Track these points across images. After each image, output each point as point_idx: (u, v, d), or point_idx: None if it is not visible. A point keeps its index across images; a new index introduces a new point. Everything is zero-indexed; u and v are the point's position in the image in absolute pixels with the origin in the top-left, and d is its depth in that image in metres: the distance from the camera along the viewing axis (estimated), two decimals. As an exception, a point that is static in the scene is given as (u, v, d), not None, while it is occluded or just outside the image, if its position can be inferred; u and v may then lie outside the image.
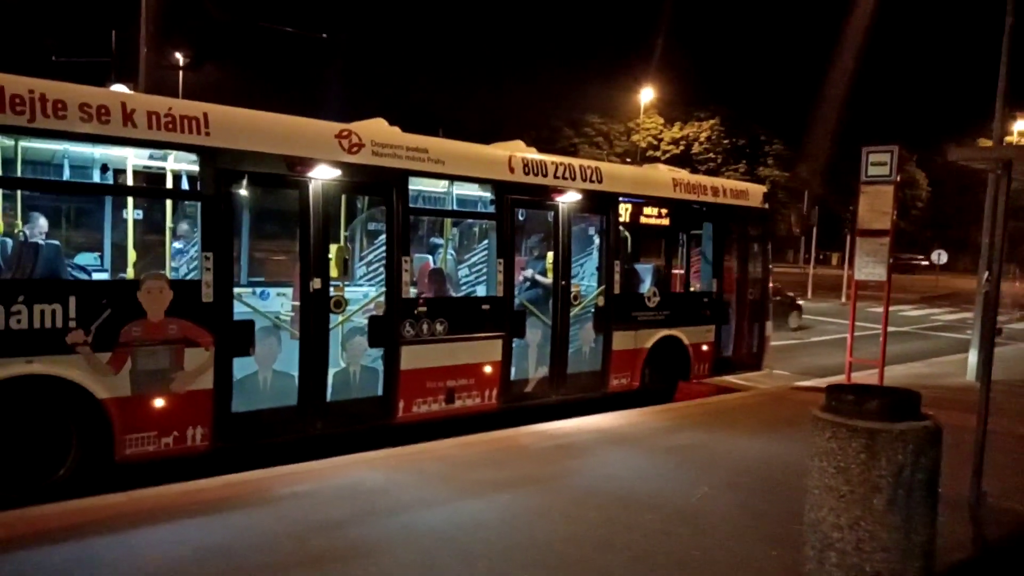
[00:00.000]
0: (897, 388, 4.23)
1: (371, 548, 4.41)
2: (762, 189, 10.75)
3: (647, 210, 9.13)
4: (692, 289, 9.87)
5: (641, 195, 9.10)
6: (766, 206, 10.49)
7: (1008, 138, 27.53)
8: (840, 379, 9.57)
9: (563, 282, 8.36)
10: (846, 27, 30.15)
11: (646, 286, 9.27)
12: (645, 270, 9.53)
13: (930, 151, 41.75)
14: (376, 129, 7.13)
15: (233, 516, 4.85)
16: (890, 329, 9.58)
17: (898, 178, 8.85)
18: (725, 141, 34.63)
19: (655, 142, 35.19)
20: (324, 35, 34.64)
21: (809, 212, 25.57)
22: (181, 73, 34.31)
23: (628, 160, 34.34)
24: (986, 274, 11.28)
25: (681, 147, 34.47)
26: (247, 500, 5.10)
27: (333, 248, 6.67)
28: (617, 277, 8.79)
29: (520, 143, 8.51)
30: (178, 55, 35.79)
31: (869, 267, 8.85)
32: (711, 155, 33.59)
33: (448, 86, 42.98)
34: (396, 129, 7.41)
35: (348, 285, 7.07)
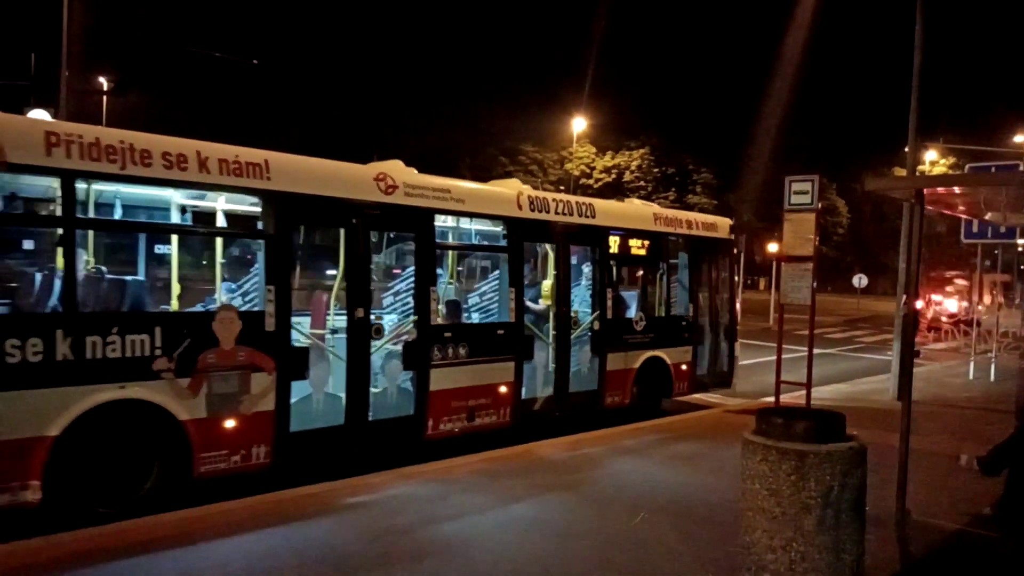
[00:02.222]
0: (823, 410, 4.34)
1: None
2: (728, 222, 11.58)
3: (632, 241, 9.99)
4: (672, 313, 10.63)
5: (627, 228, 9.99)
6: (732, 236, 11.33)
7: (920, 167, 29.07)
8: (771, 400, 9.81)
9: (564, 308, 9.11)
10: (773, 60, 31.40)
11: (633, 311, 10.07)
12: (631, 296, 10.30)
13: (850, 179, 43.63)
14: (403, 171, 7.84)
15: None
16: (816, 351, 9.90)
17: (819, 205, 9.18)
18: (656, 170, 35.45)
19: (588, 170, 35.76)
20: (255, 61, 34.25)
21: (737, 239, 26.34)
22: (105, 98, 33.35)
23: (562, 188, 34.73)
24: (904, 298, 11.79)
25: (613, 175, 35.09)
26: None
27: (373, 280, 7.45)
28: (609, 303, 9.57)
29: (515, 181, 9.49)
30: (102, 79, 34.77)
31: (795, 291, 9.13)
32: (642, 183, 34.29)
33: (383, 113, 42.88)
34: (413, 170, 8.05)
35: (383, 313, 7.88)
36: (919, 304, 23.30)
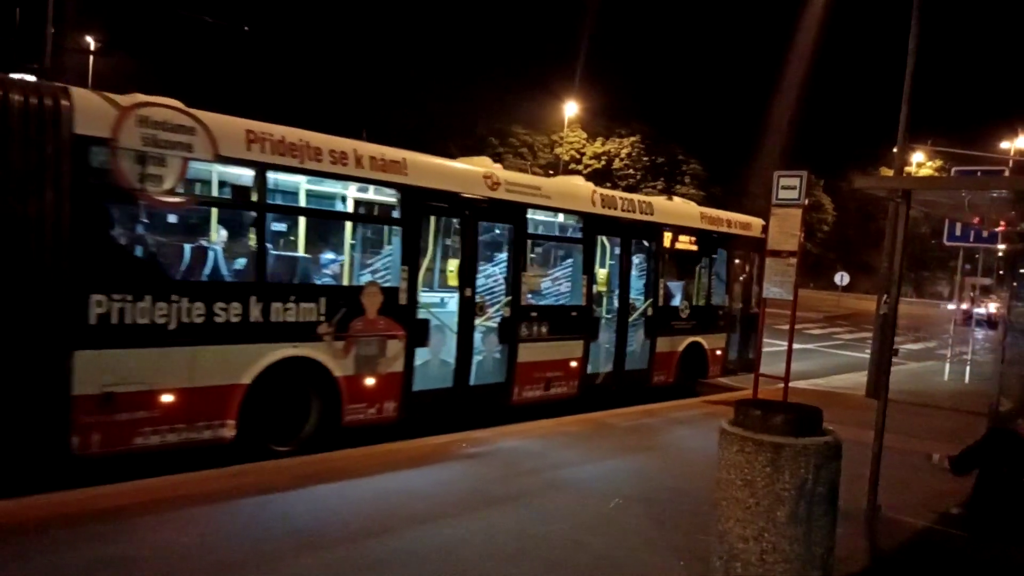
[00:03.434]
0: (801, 404, 4.37)
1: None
2: (761, 222, 12.22)
3: (681, 237, 11.07)
4: (710, 304, 11.69)
5: (678, 225, 11.05)
6: (763, 236, 11.86)
7: (907, 168, 29.22)
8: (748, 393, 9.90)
9: (624, 296, 10.28)
10: (765, 57, 31.33)
11: (679, 300, 11.18)
12: (678, 287, 11.30)
13: (836, 177, 43.84)
14: (498, 168, 9.00)
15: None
16: (795, 346, 10.00)
17: (806, 202, 9.21)
18: (645, 158, 35.38)
19: (578, 155, 35.65)
20: (246, 28, 33.71)
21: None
22: (92, 58, 32.74)
23: (551, 172, 34.62)
24: (885, 297, 11.88)
25: (603, 162, 35.02)
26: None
27: (478, 264, 8.58)
28: (661, 292, 10.78)
29: (580, 178, 10.77)
30: (89, 39, 34.09)
31: (777, 286, 9.17)
32: (631, 171, 34.24)
33: (371, 86, 42.46)
34: (499, 167, 9.17)
35: (483, 293, 8.80)
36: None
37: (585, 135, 36.10)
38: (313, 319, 6.97)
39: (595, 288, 9.96)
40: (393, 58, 44.15)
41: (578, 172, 35.62)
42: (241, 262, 7.21)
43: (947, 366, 15.47)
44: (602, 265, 10.71)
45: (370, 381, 7.44)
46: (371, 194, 8.19)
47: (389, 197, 7.99)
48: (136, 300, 5.97)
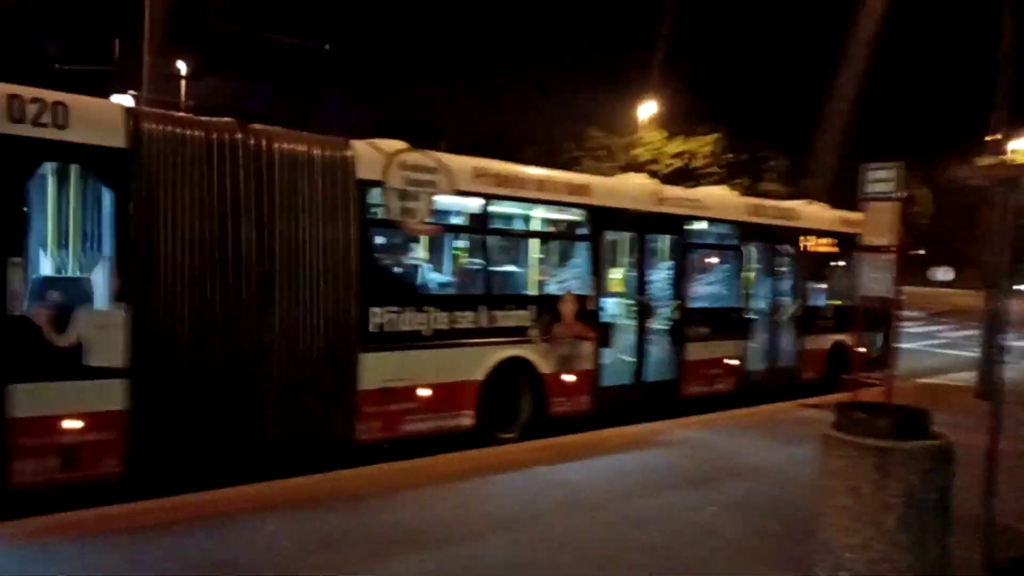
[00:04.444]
0: (907, 406, 4.17)
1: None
2: None
3: (822, 240, 11.86)
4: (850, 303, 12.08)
5: (820, 229, 11.86)
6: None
7: (1004, 157, 27.47)
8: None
9: (776, 297, 11.16)
10: (850, 43, 30.23)
11: (823, 300, 11.98)
12: (821, 287, 12.04)
13: (933, 167, 41.83)
14: (659, 185, 10.17)
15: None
16: (901, 346, 9.90)
17: (903, 194, 8.81)
18: (728, 155, 34.57)
19: (656, 156, 35.13)
20: (327, 46, 34.77)
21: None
22: (184, 82, 34.35)
23: (630, 174, 34.24)
24: (993, 292, 11.24)
25: (683, 161, 34.40)
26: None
27: (649, 271, 9.64)
28: (808, 293, 11.61)
29: (721, 187, 12.48)
30: (180, 64, 35.80)
31: (874, 283, 8.80)
32: (713, 169, 33.52)
33: (448, 97, 43.10)
34: (646, 180, 10.29)
35: (654, 298, 9.73)
36: None
37: (664, 135, 35.54)
38: (526, 324, 8.24)
39: (749, 291, 10.92)
40: (469, 67, 44.75)
41: (657, 172, 35.19)
42: (473, 277, 8.58)
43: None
44: (754, 269, 11.41)
45: (569, 378, 8.60)
46: (565, 214, 9.32)
47: (579, 216, 9.09)
48: (401, 311, 7.32)
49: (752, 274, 11.24)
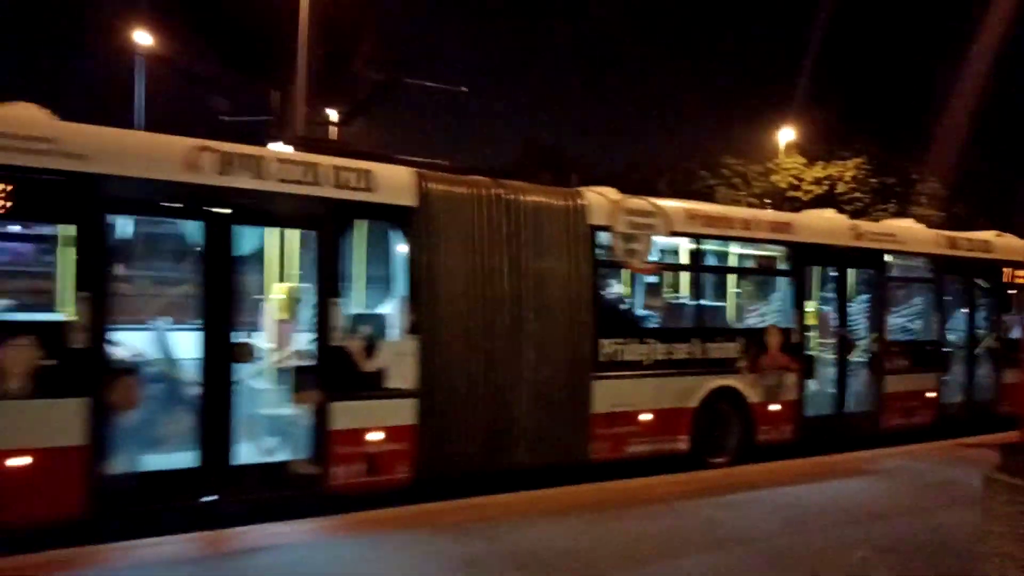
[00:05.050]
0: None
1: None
2: None
3: (1017, 272, 12.04)
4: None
5: (1012, 260, 11.98)
6: None
7: None
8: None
9: (970, 329, 11.38)
10: (1004, 55, 28.98)
11: (1019, 332, 11.99)
12: (1016, 319, 12.12)
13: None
14: (854, 220, 10.71)
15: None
16: None
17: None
18: (873, 180, 33.64)
19: (796, 182, 34.61)
20: (464, 88, 36.66)
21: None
22: (331, 128, 36.98)
23: (767, 201, 33.92)
24: None
25: (824, 187, 33.73)
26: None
27: (848, 305, 10.04)
28: (1004, 326, 11.80)
29: (909, 219, 12.57)
30: (330, 112, 38.58)
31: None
32: (857, 195, 32.71)
33: (579, 130, 44.08)
34: (840, 216, 10.72)
35: (852, 331, 10.17)
36: None
37: (804, 160, 35.03)
38: (735, 356, 8.84)
39: (944, 323, 11.07)
40: (597, 99, 45.74)
41: (797, 199, 34.69)
42: (687, 312, 9.27)
43: None
44: (948, 301, 11.57)
45: (775, 407, 9.11)
46: (768, 251, 9.85)
47: (781, 252, 9.60)
48: (625, 343, 8.13)
49: (947, 307, 11.43)
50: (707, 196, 30.45)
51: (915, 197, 34.51)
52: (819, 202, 33.35)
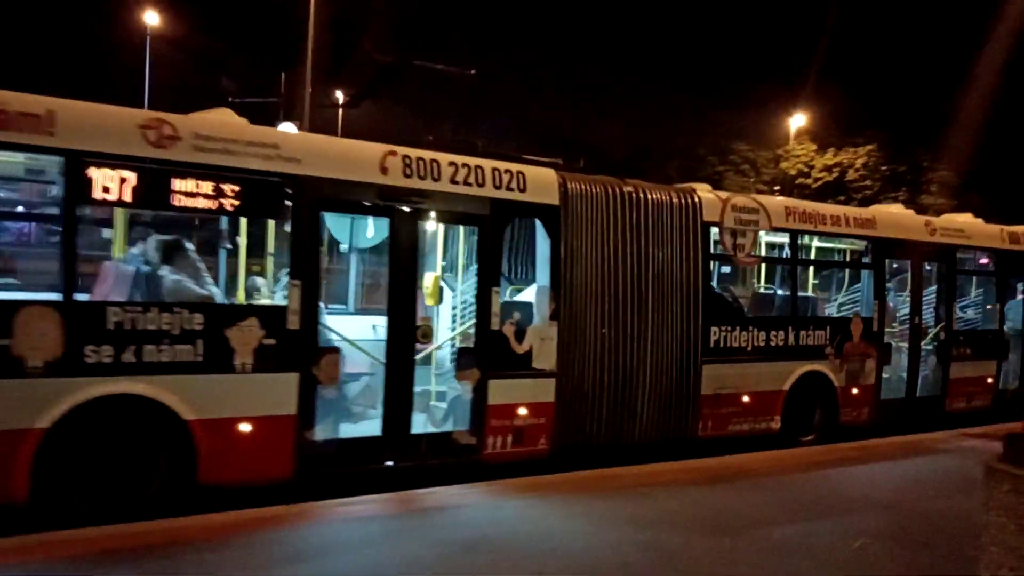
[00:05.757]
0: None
1: None
2: None
3: None
4: None
5: None
6: None
7: None
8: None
9: None
10: (1017, 41, 29.61)
11: None
12: None
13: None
14: (926, 216, 11.60)
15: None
16: None
17: None
18: (883, 168, 34.53)
19: (806, 169, 35.47)
20: (473, 71, 37.02)
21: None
22: (340, 111, 37.29)
23: (776, 188, 34.65)
24: None
25: (834, 174, 34.62)
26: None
27: (922, 295, 10.83)
28: None
29: (969, 216, 12.37)
30: (338, 94, 38.84)
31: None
32: (867, 182, 33.66)
33: (588, 114, 44.41)
34: (911, 212, 11.71)
35: (926, 320, 10.98)
36: None
37: (814, 147, 35.84)
38: (822, 343, 9.59)
39: (1004, 313, 11.87)
40: (608, 82, 46.14)
41: (806, 187, 35.35)
42: (782, 301, 10.25)
43: None
44: (1007, 293, 12.33)
45: (855, 391, 9.88)
46: (853, 245, 10.70)
47: (865, 246, 10.42)
48: (730, 330, 8.91)
49: (1006, 298, 12.19)
50: (715, 182, 31.17)
51: (925, 185, 35.48)
52: (828, 189, 34.11)
